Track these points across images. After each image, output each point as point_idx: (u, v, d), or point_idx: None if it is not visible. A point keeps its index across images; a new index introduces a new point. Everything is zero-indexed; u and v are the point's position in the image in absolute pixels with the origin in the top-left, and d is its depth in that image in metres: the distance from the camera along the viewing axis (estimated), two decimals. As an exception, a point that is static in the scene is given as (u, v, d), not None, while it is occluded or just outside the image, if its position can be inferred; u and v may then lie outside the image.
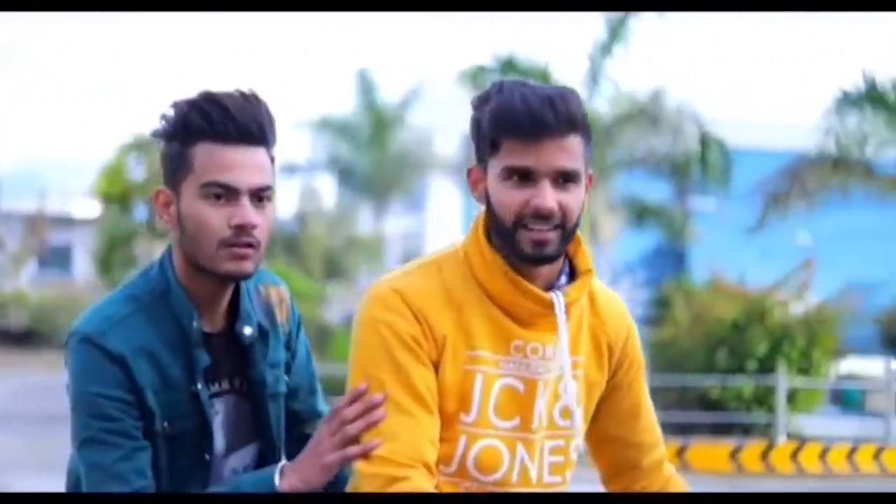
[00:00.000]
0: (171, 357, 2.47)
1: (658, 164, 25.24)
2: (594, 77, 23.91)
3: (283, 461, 2.45)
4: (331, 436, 2.34)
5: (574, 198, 2.39)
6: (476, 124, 2.44)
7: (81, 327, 2.47)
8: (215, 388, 2.54)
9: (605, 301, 2.59)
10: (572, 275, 2.51)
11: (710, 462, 14.88)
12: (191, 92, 2.51)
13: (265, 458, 2.61)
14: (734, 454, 15.26)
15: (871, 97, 23.10)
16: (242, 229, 2.44)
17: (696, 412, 16.43)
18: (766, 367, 16.77)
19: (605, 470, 2.69)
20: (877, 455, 15.76)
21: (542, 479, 2.48)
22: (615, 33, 23.69)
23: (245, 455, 2.61)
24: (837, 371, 19.66)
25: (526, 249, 2.38)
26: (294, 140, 36.27)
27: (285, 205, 36.68)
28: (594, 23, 23.74)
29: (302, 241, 35.44)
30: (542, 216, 2.36)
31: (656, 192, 27.70)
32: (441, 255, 2.50)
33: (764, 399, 16.52)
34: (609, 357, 2.57)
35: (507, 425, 2.44)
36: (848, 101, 23.32)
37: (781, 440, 15.81)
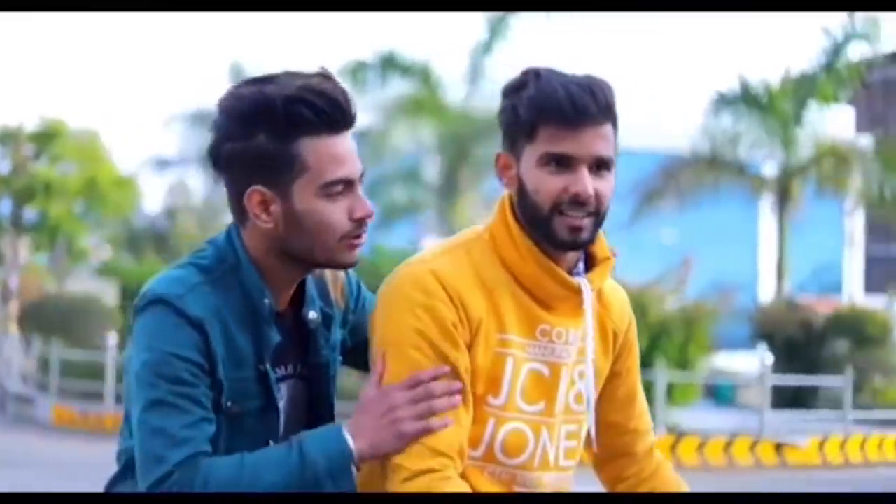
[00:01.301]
0: (240, 332, 2.36)
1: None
2: (474, 74, 24.05)
3: (340, 422, 2.36)
4: (413, 404, 2.29)
5: (608, 185, 2.41)
6: (510, 110, 2.43)
7: (156, 289, 2.34)
8: (281, 371, 2.45)
9: (610, 289, 2.62)
10: (587, 261, 2.53)
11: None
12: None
13: None
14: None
15: (746, 98, 23.62)
16: (363, 221, 2.39)
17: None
18: (645, 362, 17.00)
19: (600, 456, 2.70)
20: (752, 447, 16.12)
21: (558, 463, 2.51)
22: (495, 31, 23.85)
23: None
24: (711, 366, 20.05)
25: (561, 236, 2.40)
26: (166, 134, 35.72)
27: (155, 200, 36.17)
28: (475, 20, 23.85)
29: (172, 237, 35.01)
30: (580, 202, 2.37)
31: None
32: (465, 238, 2.49)
33: (642, 393, 16.72)
34: (613, 344, 2.61)
35: (533, 409, 2.46)
36: (723, 102, 23.82)
37: (660, 434, 16.07)
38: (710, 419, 18.28)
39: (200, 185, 37.75)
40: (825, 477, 14.66)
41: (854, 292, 33.38)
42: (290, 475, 2.27)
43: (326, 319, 2.52)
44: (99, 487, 2.53)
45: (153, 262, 26.55)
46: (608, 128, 2.41)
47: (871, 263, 39.18)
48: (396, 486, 2.33)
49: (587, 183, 2.37)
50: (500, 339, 2.41)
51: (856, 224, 33.87)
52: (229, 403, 2.35)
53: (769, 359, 17.16)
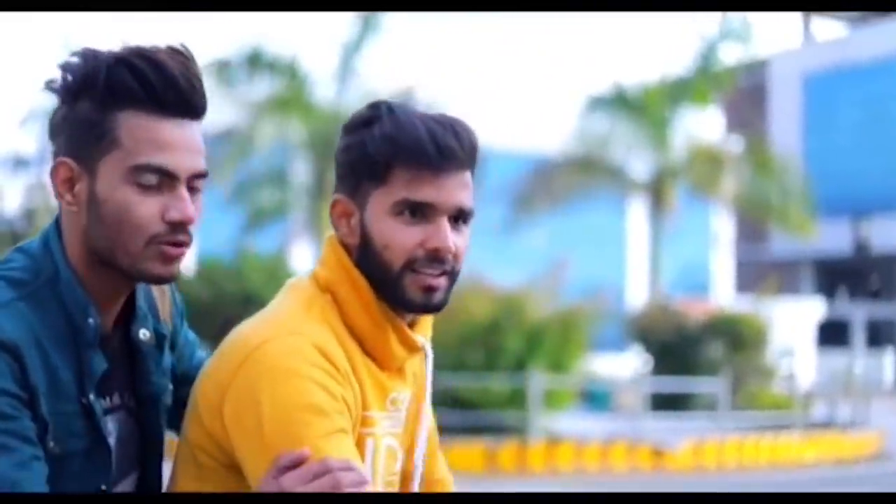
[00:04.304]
0: (61, 358, 1.99)
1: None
2: (344, 72, 23.55)
3: None
4: (316, 478, 1.90)
5: (465, 241, 2.13)
6: (357, 148, 2.09)
7: None
8: (107, 402, 2.08)
9: None
10: None
11: (464, 462, 14.64)
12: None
13: (149, 491, 2.15)
14: (489, 454, 15.11)
15: (621, 100, 23.60)
16: (180, 226, 2.01)
17: (448, 412, 16.18)
18: (520, 365, 16.73)
19: None
20: (628, 452, 15.94)
21: None
22: (366, 28, 23.42)
23: (126, 487, 2.13)
24: (586, 370, 19.87)
25: (413, 296, 2.08)
26: (23, 133, 34.71)
27: (13, 200, 35.20)
28: (345, 17, 23.38)
29: (30, 238, 34.04)
30: (439, 259, 2.08)
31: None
32: (306, 296, 2.11)
33: (517, 398, 16.45)
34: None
35: (387, 491, 2.14)
36: (597, 104, 23.78)
37: (535, 439, 15.76)
38: (586, 424, 18.06)
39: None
40: (703, 481, 14.54)
41: (723, 293, 33.65)
42: None
43: (159, 340, 2.20)
44: None
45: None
46: (468, 176, 2.12)
47: (741, 265, 39.69)
48: None
49: (448, 236, 2.07)
50: (363, 416, 2.08)
51: (724, 226, 34.24)
52: (52, 444, 1.98)
53: (646, 363, 17.02)
